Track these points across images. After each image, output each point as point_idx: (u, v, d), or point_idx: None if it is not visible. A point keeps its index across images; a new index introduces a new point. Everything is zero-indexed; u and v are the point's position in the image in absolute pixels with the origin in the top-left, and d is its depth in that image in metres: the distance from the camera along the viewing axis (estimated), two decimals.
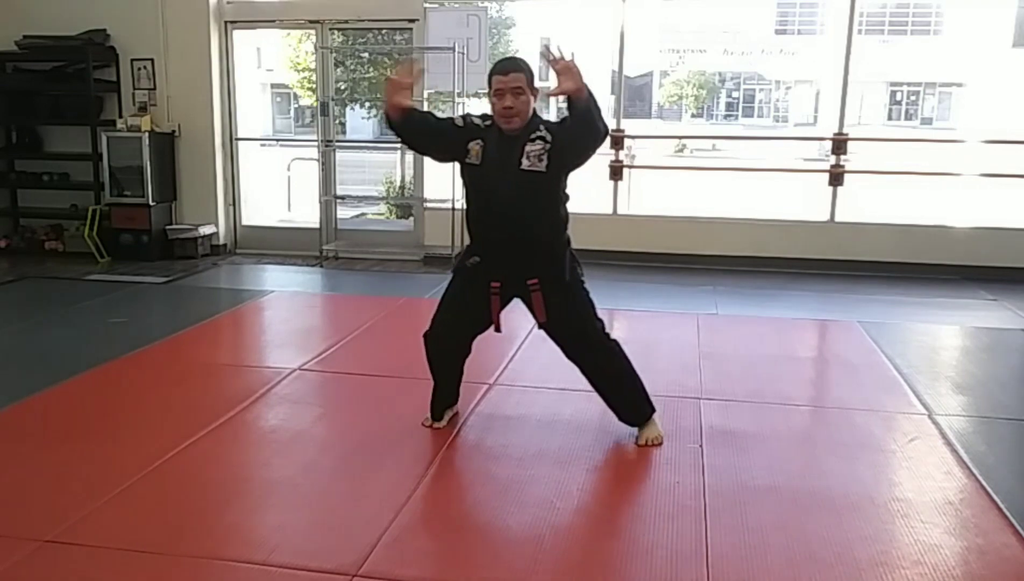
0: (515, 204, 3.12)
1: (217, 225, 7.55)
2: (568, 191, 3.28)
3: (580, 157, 3.11)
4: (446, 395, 3.51)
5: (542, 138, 3.08)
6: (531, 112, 3.12)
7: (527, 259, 3.19)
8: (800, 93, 33.33)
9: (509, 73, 3.06)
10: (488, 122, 3.21)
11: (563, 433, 3.49)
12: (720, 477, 3.09)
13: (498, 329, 3.29)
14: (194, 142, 7.39)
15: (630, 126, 7.90)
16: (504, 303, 3.29)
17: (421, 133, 3.20)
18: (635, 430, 3.44)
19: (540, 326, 3.30)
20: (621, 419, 3.44)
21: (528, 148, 3.08)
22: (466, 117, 3.24)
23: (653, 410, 3.43)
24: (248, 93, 7.79)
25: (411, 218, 8.08)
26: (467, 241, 3.37)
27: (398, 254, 7.25)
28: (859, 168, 7.67)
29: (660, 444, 3.36)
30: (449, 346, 3.38)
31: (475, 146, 3.15)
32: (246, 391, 3.91)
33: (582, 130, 2.98)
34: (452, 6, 7.19)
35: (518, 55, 3.41)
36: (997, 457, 3.36)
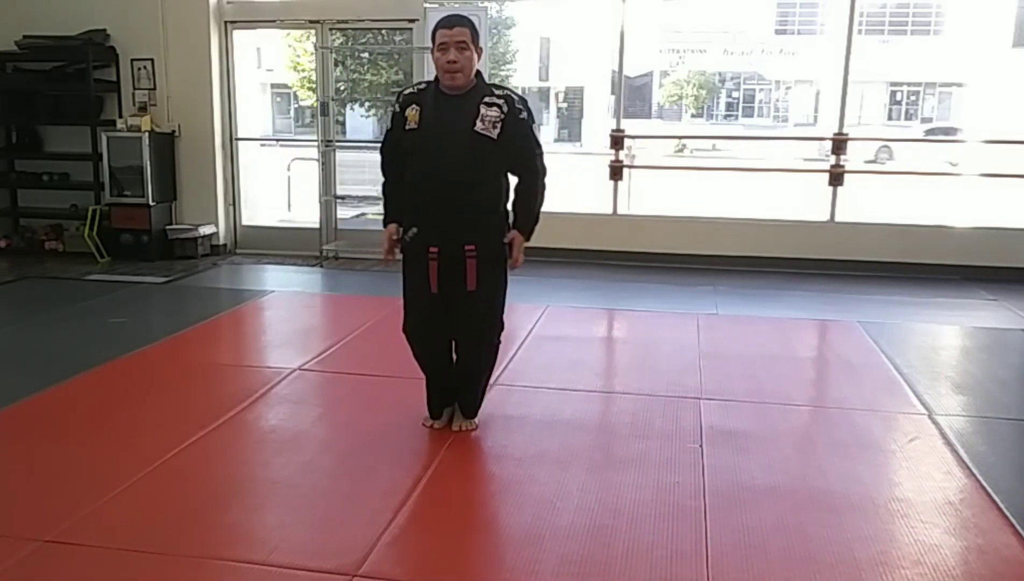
0: (460, 164, 3.06)
1: (217, 225, 7.55)
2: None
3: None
4: (440, 389, 3.44)
5: (499, 107, 3.06)
6: (475, 71, 3.10)
7: (466, 223, 3.13)
8: (800, 93, 33.29)
9: (454, 27, 3.02)
10: (422, 85, 3.19)
11: (563, 433, 3.49)
12: (720, 477, 3.09)
13: (433, 290, 3.18)
14: (194, 142, 7.39)
15: (630, 126, 7.89)
16: (447, 271, 3.16)
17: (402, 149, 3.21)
18: (633, 431, 3.44)
19: (469, 293, 3.18)
20: (458, 401, 3.46)
21: (484, 111, 3.05)
22: (399, 95, 3.22)
23: (477, 411, 3.49)
24: (248, 93, 7.78)
25: None
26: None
27: (398, 254, 7.23)
28: (859, 168, 7.67)
29: (475, 429, 3.45)
30: (426, 331, 3.30)
31: (411, 112, 3.10)
32: (246, 391, 3.91)
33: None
34: (452, 6, 7.19)
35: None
36: (997, 457, 3.36)
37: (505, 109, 3.06)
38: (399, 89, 3.19)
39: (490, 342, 3.35)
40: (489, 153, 3.07)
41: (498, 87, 3.16)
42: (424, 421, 3.50)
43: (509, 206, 3.26)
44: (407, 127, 3.11)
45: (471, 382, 3.43)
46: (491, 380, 3.57)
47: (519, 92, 3.22)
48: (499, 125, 3.06)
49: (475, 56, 3.06)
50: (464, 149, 3.05)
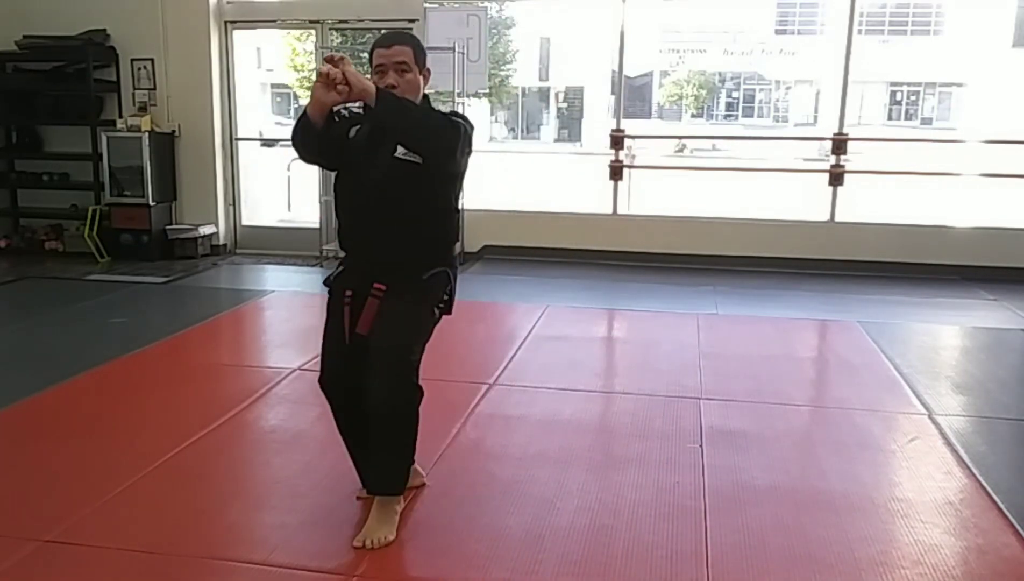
0: (382, 195, 2.59)
1: (217, 225, 7.55)
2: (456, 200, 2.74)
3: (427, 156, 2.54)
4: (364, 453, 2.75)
5: None
6: (419, 96, 2.62)
7: (383, 261, 2.62)
8: (800, 93, 33.32)
9: (392, 46, 2.58)
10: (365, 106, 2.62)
11: (563, 433, 3.49)
12: (720, 477, 3.09)
13: (348, 341, 2.65)
14: (194, 142, 7.39)
15: (630, 126, 7.89)
16: (356, 316, 2.64)
17: (323, 138, 2.62)
18: (633, 431, 3.44)
19: (352, 337, 2.64)
20: (362, 475, 2.83)
21: None
22: (344, 108, 2.69)
23: (400, 492, 2.70)
24: (248, 93, 7.78)
25: None
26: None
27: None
28: (859, 168, 7.67)
29: (385, 545, 2.58)
30: (340, 384, 2.72)
31: (354, 131, 2.66)
32: (246, 391, 3.91)
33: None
34: (452, 6, 7.19)
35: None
36: (997, 457, 3.36)
37: None
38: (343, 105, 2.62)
39: (392, 408, 2.57)
40: (416, 180, 2.56)
41: (436, 110, 2.68)
42: (359, 492, 2.87)
43: (453, 254, 2.78)
44: (345, 138, 2.66)
45: (373, 446, 2.66)
46: (491, 381, 3.43)
47: (461, 112, 2.75)
48: None
49: (419, 80, 2.61)
50: (386, 178, 2.57)
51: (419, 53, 2.63)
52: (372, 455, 2.68)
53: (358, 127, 2.66)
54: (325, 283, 2.80)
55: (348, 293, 2.67)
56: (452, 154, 2.54)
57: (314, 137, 2.59)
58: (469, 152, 2.63)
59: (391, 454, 2.64)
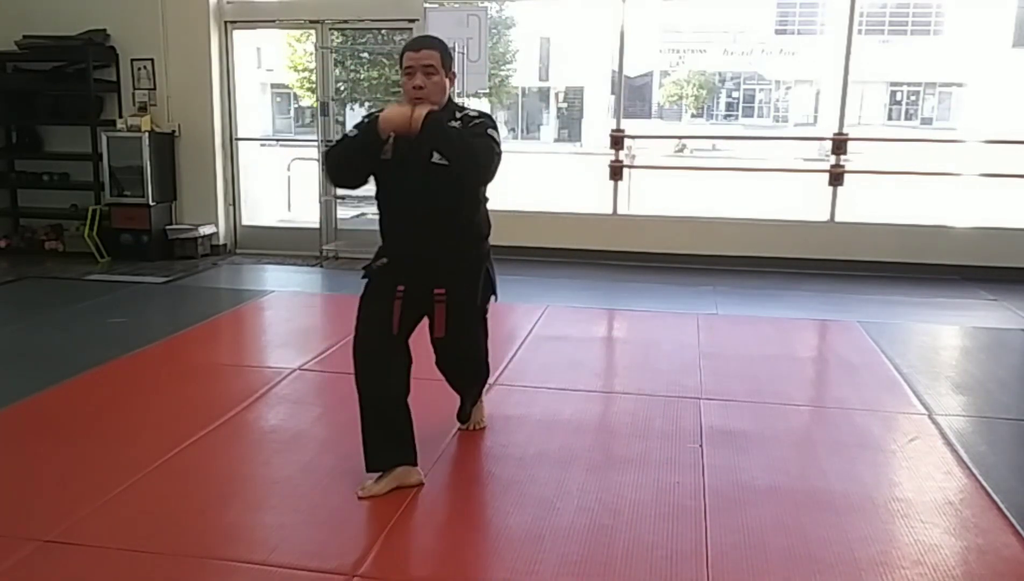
0: (422, 200, 2.82)
1: (217, 225, 7.55)
2: (488, 194, 3.01)
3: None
4: (385, 434, 2.91)
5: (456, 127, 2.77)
6: (446, 97, 2.83)
7: (434, 265, 2.89)
8: (800, 93, 33.32)
9: (421, 50, 2.77)
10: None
11: (563, 433, 3.49)
12: (720, 477, 3.09)
13: (394, 332, 2.87)
14: (194, 142, 7.39)
15: (630, 126, 7.89)
16: (412, 313, 2.93)
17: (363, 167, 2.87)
18: (633, 431, 3.44)
19: (437, 340, 3.00)
20: (370, 448, 2.94)
21: None
22: (370, 115, 2.84)
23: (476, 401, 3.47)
24: (248, 93, 7.79)
25: None
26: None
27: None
28: (859, 168, 7.67)
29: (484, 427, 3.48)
30: (374, 363, 2.89)
31: (390, 141, 2.79)
32: (246, 391, 3.91)
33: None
34: (452, 6, 7.19)
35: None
36: (997, 457, 3.36)
37: (461, 124, 2.78)
38: (375, 111, 2.77)
39: (476, 375, 3.35)
40: (449, 181, 2.75)
41: (460, 108, 2.88)
42: (359, 491, 2.89)
43: (488, 244, 3.04)
44: (383, 157, 2.80)
45: (465, 394, 3.42)
46: (491, 381, 3.54)
47: (480, 111, 2.93)
48: None
49: (445, 81, 2.80)
50: (423, 184, 2.78)
51: (446, 57, 2.81)
52: (465, 390, 3.37)
53: (391, 137, 2.77)
54: (366, 270, 2.97)
55: (400, 288, 2.86)
56: (485, 176, 2.81)
57: (373, 159, 2.79)
58: (499, 159, 2.81)
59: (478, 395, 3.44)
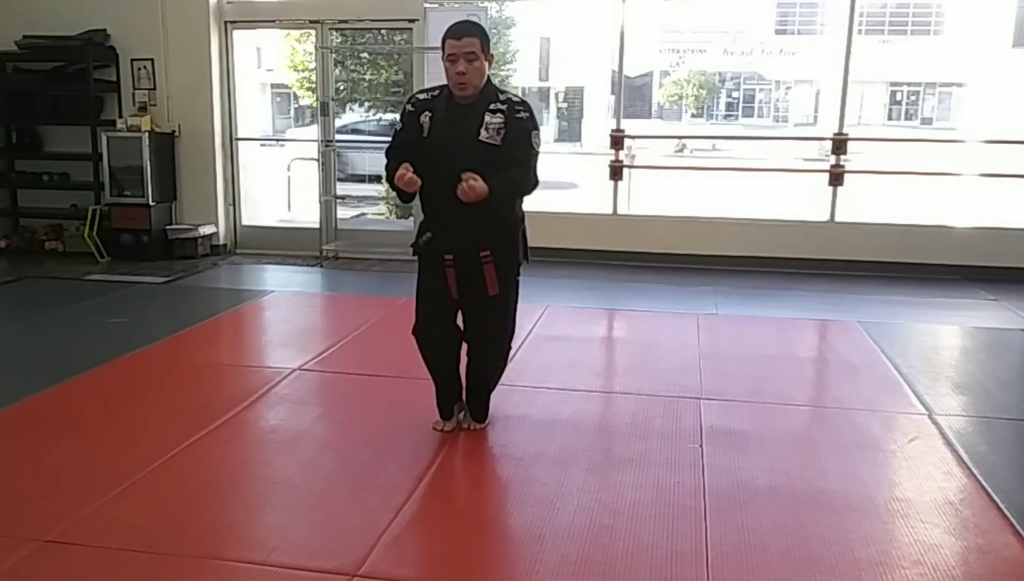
0: (470, 170, 3.00)
1: (217, 225, 7.55)
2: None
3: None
4: (449, 390, 3.45)
5: (502, 112, 3.06)
6: (485, 79, 3.10)
7: (478, 231, 3.13)
8: (800, 93, 33.29)
9: (463, 37, 3.00)
10: (435, 92, 3.19)
11: (563, 433, 3.49)
12: (720, 477, 3.09)
13: (454, 297, 3.23)
14: (194, 142, 7.39)
15: (630, 126, 7.89)
16: (464, 276, 3.20)
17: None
18: (633, 431, 3.45)
19: (492, 297, 3.21)
20: (469, 406, 3.50)
21: (488, 119, 3.05)
22: (412, 99, 3.21)
23: (485, 419, 3.51)
24: (248, 93, 7.78)
25: (411, 218, 8.08)
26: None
27: (398, 254, 7.24)
28: (859, 168, 7.67)
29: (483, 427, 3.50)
30: (435, 332, 3.30)
31: (424, 119, 3.11)
32: (246, 391, 3.91)
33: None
34: (452, 6, 7.19)
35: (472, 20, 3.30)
36: (997, 457, 3.36)
37: (506, 112, 3.07)
38: (410, 93, 3.16)
39: (502, 348, 3.40)
40: (496, 161, 3.04)
41: (503, 92, 3.14)
42: (435, 424, 3.48)
43: (522, 209, 3.27)
44: (422, 134, 3.12)
45: (481, 388, 3.47)
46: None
47: (520, 96, 3.20)
48: (502, 130, 3.06)
49: (485, 65, 3.06)
50: (470, 159, 3.02)
51: (484, 42, 3.06)
52: (481, 392, 3.45)
53: (427, 113, 3.11)
54: (414, 247, 3.28)
55: (449, 257, 3.16)
56: (532, 190, 3.20)
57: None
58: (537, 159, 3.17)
59: (494, 385, 3.48)
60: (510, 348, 3.44)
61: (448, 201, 3.05)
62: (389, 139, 3.27)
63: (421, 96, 3.21)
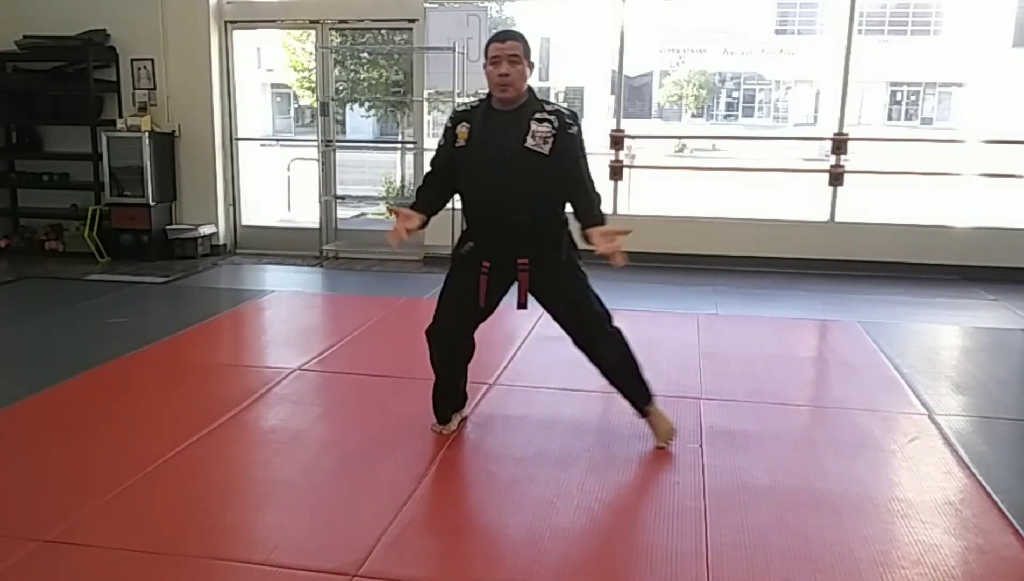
0: (511, 181, 3.06)
1: (217, 225, 7.55)
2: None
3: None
4: (450, 395, 3.45)
5: (550, 123, 3.05)
6: (526, 85, 3.11)
7: (519, 239, 3.14)
8: (800, 93, 33.30)
9: (507, 41, 3.05)
10: (474, 103, 3.22)
11: (563, 433, 3.49)
12: (720, 477, 3.09)
13: (482, 305, 3.21)
14: (194, 142, 7.39)
15: (630, 126, 7.89)
16: (498, 285, 3.21)
17: (449, 192, 3.26)
18: (634, 431, 3.45)
19: (521, 305, 3.24)
20: (626, 398, 3.42)
21: (535, 127, 3.05)
22: (453, 113, 3.25)
23: (651, 396, 3.39)
24: (248, 93, 7.79)
25: None
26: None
27: (398, 254, 7.25)
28: (859, 168, 7.66)
29: (673, 437, 3.35)
30: (450, 338, 3.30)
31: (462, 129, 3.13)
32: (246, 391, 3.91)
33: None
34: (452, 6, 7.19)
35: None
36: (997, 457, 3.36)
37: (556, 124, 3.05)
38: (454, 107, 3.25)
39: (605, 331, 3.31)
40: (541, 168, 3.05)
41: (548, 102, 3.14)
42: (433, 427, 3.47)
43: (565, 214, 3.26)
44: (456, 144, 3.13)
45: (620, 376, 3.39)
46: (490, 381, 3.54)
47: (569, 107, 3.20)
48: (550, 140, 3.04)
49: (527, 70, 3.08)
50: (515, 166, 3.04)
51: (526, 48, 3.09)
52: (623, 380, 3.39)
53: (465, 124, 3.14)
54: (454, 255, 3.30)
55: (485, 265, 3.16)
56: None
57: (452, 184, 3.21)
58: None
59: (631, 378, 3.38)
60: (617, 328, 3.34)
61: (490, 208, 3.11)
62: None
63: (459, 108, 3.25)
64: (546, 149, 3.04)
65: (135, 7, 7.18)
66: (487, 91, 3.16)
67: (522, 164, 3.04)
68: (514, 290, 3.23)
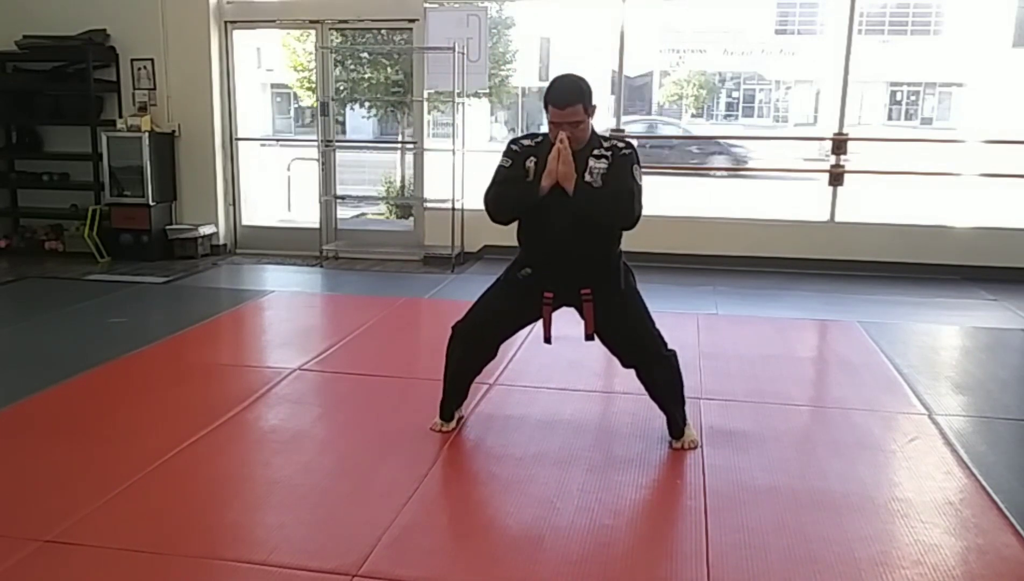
0: (573, 218, 3.07)
1: (217, 225, 7.55)
2: None
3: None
4: (457, 393, 3.49)
5: (606, 158, 3.09)
6: (589, 133, 3.12)
7: (581, 271, 3.19)
8: (800, 93, 33.29)
9: (566, 107, 3.01)
10: (539, 138, 3.19)
11: (563, 433, 3.49)
12: (720, 477, 3.09)
13: (548, 340, 3.29)
14: (194, 142, 7.39)
15: (630, 126, 7.88)
16: (553, 311, 3.28)
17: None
18: (634, 431, 3.45)
19: (589, 337, 3.28)
20: (667, 417, 3.40)
21: (592, 163, 3.08)
22: (517, 142, 3.22)
23: (685, 422, 3.40)
24: (248, 93, 7.79)
25: (411, 218, 8.08)
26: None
27: (398, 254, 7.25)
28: (859, 168, 7.67)
29: (695, 447, 3.35)
30: (481, 345, 3.38)
31: (530, 164, 3.13)
32: (246, 391, 3.91)
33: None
34: (452, 6, 7.19)
35: (574, 74, 3.19)
36: (997, 457, 3.36)
37: (611, 158, 3.08)
38: (514, 137, 3.17)
39: (660, 355, 3.34)
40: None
41: (606, 138, 3.16)
42: (433, 425, 3.48)
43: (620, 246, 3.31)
44: (528, 178, 3.13)
45: (668, 398, 3.38)
46: (490, 381, 3.54)
47: (626, 140, 3.21)
48: (606, 175, 3.07)
49: (589, 123, 3.08)
50: (574, 202, 3.05)
51: (588, 103, 3.06)
52: (666, 404, 3.37)
53: (532, 159, 3.11)
54: (513, 278, 3.29)
55: (548, 295, 3.22)
56: (626, 223, 3.13)
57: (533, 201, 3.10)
58: (640, 197, 3.11)
59: (678, 396, 3.37)
60: (673, 352, 3.38)
61: (552, 242, 3.13)
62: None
63: (525, 141, 3.21)
64: (601, 183, 3.07)
65: (135, 7, 7.18)
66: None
67: (581, 197, 3.06)
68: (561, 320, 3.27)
